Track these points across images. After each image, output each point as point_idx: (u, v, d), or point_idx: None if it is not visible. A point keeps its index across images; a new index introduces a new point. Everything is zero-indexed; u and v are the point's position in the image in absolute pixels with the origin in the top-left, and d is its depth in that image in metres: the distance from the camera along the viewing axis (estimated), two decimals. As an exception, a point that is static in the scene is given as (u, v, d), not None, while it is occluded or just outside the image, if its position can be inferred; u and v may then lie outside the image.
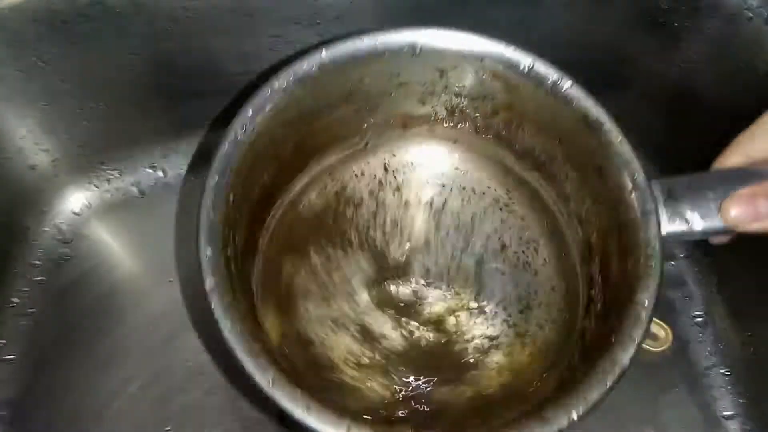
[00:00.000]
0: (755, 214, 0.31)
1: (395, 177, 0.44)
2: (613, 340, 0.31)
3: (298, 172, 0.42)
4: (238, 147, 0.34)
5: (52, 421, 0.48)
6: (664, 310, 0.51)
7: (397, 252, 0.43)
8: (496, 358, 0.40)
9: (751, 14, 0.42)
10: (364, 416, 0.34)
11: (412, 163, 0.44)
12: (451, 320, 0.42)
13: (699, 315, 0.51)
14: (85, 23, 0.44)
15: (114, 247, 0.54)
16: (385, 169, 0.44)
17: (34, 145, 0.50)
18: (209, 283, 0.31)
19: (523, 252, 0.42)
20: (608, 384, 0.30)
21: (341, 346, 0.40)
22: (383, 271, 0.43)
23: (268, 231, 0.41)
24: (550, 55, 0.38)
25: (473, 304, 0.42)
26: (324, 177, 0.43)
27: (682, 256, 0.53)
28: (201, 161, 0.55)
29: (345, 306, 0.42)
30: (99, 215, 0.54)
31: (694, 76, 0.48)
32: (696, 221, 0.33)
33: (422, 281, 0.43)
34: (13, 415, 0.48)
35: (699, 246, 0.52)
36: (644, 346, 0.48)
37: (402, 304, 0.43)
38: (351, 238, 0.43)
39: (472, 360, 0.40)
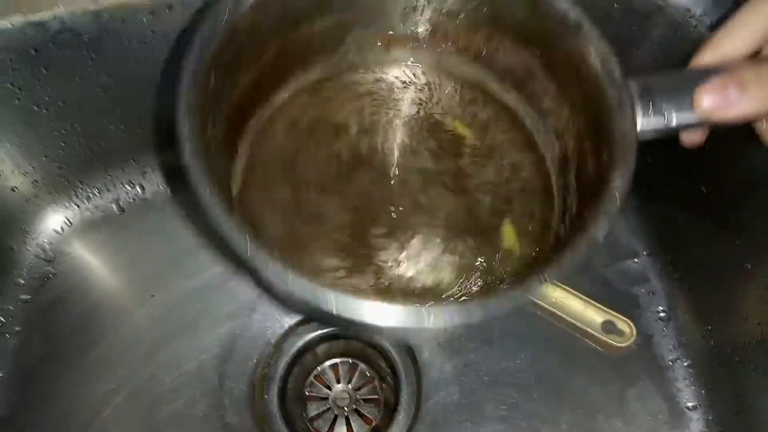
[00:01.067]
0: (727, 102, 0.32)
1: (375, 96, 0.44)
2: (588, 221, 0.32)
3: (279, 84, 0.41)
4: (217, 32, 0.34)
5: (42, 434, 0.50)
6: (628, 305, 0.53)
7: (373, 171, 0.42)
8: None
9: (695, 22, 0.44)
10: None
11: (392, 84, 0.44)
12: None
13: (662, 310, 0.53)
14: (57, 50, 0.45)
15: (96, 263, 0.55)
16: (366, 88, 0.43)
17: (14, 168, 0.51)
18: (187, 152, 0.30)
19: (500, 171, 0.42)
20: (583, 253, 0.31)
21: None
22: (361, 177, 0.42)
23: (248, 137, 0.40)
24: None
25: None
26: (305, 92, 0.42)
27: (645, 253, 0.55)
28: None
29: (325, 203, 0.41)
30: (80, 233, 0.56)
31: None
32: (671, 115, 0.33)
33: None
34: (3, 431, 0.49)
35: (662, 243, 0.54)
36: (610, 341, 0.51)
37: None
38: (331, 152, 0.42)
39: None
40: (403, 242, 0.40)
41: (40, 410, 0.50)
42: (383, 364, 0.54)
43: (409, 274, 0.39)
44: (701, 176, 0.49)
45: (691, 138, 0.36)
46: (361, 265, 0.39)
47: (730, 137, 0.45)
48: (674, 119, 0.33)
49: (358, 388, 0.54)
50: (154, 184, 0.57)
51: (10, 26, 0.43)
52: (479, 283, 0.39)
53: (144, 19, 0.45)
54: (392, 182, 0.42)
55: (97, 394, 0.51)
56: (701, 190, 0.48)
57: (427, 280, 0.39)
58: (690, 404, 0.51)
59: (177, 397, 0.51)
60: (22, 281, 0.54)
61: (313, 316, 0.37)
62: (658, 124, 0.33)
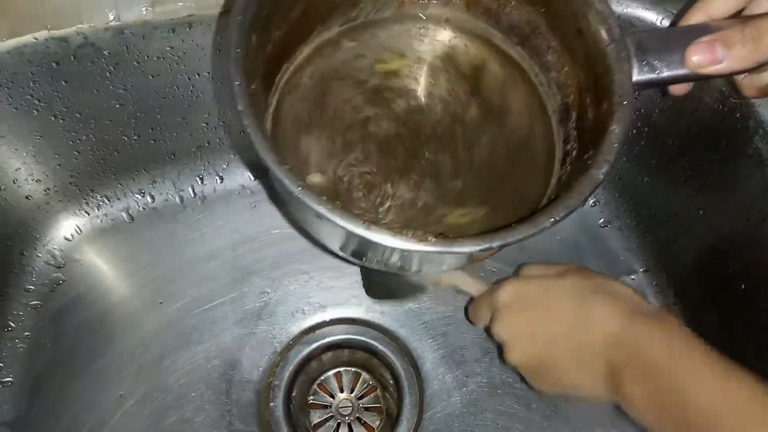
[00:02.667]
0: (713, 59, 0.35)
1: (388, 52, 0.45)
2: (589, 163, 0.35)
3: (304, 40, 0.43)
4: None
5: (50, 439, 0.51)
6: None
7: (388, 120, 0.44)
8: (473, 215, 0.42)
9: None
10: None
11: (405, 40, 0.46)
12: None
13: (657, 326, 0.55)
14: (77, 64, 0.47)
15: (105, 270, 0.56)
16: (380, 44, 0.45)
17: (27, 176, 0.52)
18: (241, 105, 0.33)
19: (507, 121, 0.44)
20: (585, 193, 0.34)
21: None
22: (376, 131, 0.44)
23: (276, 92, 0.42)
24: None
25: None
26: (325, 48, 0.44)
27: (641, 270, 0.57)
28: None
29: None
30: (90, 240, 0.57)
31: (649, 107, 0.51)
32: (662, 69, 0.36)
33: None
34: (13, 435, 0.50)
35: (658, 261, 0.56)
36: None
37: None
38: (350, 99, 0.44)
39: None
40: (420, 184, 0.42)
41: (49, 415, 0.51)
42: (386, 374, 0.55)
43: (426, 214, 0.41)
44: (698, 198, 0.50)
45: (678, 89, 0.39)
46: (380, 201, 0.42)
47: (729, 162, 0.47)
48: (665, 72, 0.36)
49: (361, 397, 0.56)
50: (164, 193, 0.58)
51: (33, 41, 0.44)
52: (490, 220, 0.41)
53: (164, 36, 0.47)
54: (408, 130, 0.44)
55: (106, 400, 0.52)
56: (698, 211, 0.50)
57: (447, 218, 0.41)
58: (683, 417, 0.53)
59: (185, 403, 0.52)
60: (32, 287, 0.55)
61: (343, 248, 0.40)
62: (650, 77, 0.36)
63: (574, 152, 0.40)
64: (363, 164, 0.42)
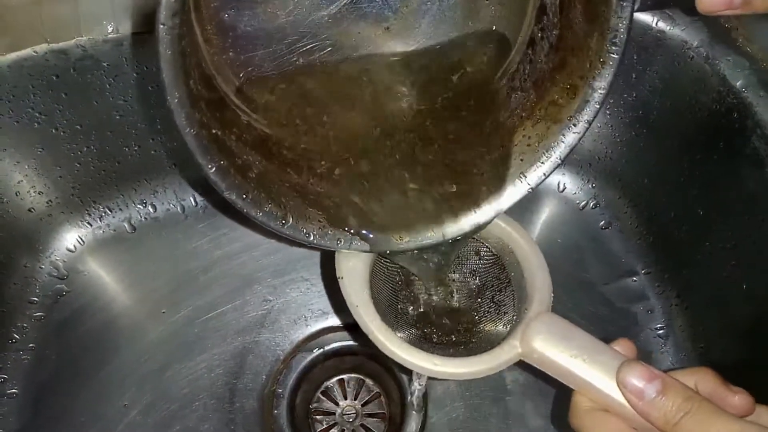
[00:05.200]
0: (728, 3, 0.31)
1: None
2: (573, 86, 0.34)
3: None
4: None
5: (56, 451, 0.51)
6: (627, 323, 0.55)
7: None
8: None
9: (692, 53, 0.46)
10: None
11: None
12: None
13: (660, 327, 0.55)
14: (77, 76, 0.47)
15: (108, 281, 0.57)
16: None
17: (30, 188, 0.53)
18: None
19: None
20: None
21: None
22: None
23: None
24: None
25: None
26: None
27: (643, 272, 0.57)
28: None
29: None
30: (92, 251, 0.57)
31: (647, 109, 0.51)
32: None
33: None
34: (18, 447, 0.50)
35: (660, 263, 0.56)
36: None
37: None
38: None
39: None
40: None
41: (54, 426, 0.51)
42: (389, 380, 0.55)
43: None
44: (698, 198, 0.51)
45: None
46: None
47: (728, 162, 0.47)
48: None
49: (365, 404, 0.55)
50: (166, 203, 0.58)
51: (33, 54, 0.45)
52: None
53: (162, 46, 0.47)
54: None
55: (110, 411, 0.52)
56: (698, 211, 0.50)
57: None
58: (688, 418, 0.52)
59: (189, 413, 0.52)
60: (36, 299, 0.55)
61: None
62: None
63: (553, 33, 0.36)
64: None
